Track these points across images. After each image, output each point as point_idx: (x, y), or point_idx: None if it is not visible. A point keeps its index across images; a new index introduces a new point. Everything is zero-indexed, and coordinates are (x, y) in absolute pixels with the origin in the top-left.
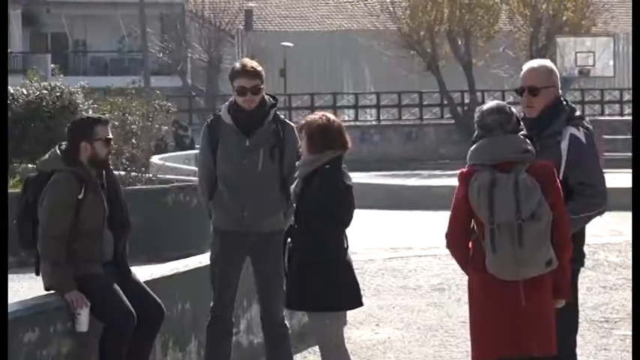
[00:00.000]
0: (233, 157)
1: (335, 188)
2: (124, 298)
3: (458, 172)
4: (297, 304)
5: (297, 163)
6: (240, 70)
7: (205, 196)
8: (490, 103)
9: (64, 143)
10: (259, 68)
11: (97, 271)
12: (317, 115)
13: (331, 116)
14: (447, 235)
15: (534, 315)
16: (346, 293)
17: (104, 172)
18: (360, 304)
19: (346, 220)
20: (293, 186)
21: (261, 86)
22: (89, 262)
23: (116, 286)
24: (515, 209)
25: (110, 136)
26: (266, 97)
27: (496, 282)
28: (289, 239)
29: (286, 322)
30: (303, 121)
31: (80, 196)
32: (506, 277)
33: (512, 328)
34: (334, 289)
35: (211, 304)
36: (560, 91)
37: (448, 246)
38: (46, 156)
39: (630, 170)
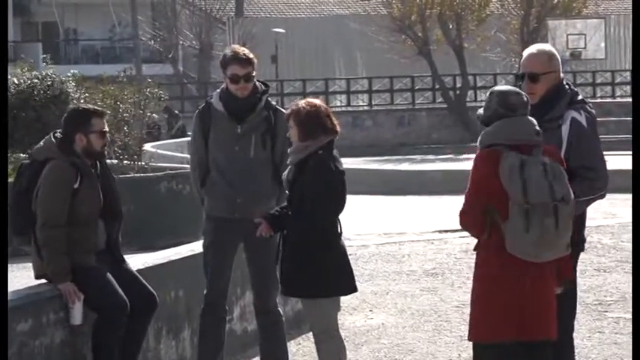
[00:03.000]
0: (225, 144)
1: (328, 173)
2: (118, 288)
3: (449, 156)
4: (292, 291)
5: (288, 151)
6: (233, 58)
7: (197, 184)
8: (505, 86)
9: (58, 131)
10: (251, 55)
11: (91, 262)
12: (302, 103)
13: (317, 101)
14: (464, 214)
15: (541, 299)
16: (340, 279)
17: (98, 162)
18: (354, 290)
19: (339, 206)
20: (285, 173)
21: (254, 73)
22: (84, 252)
23: (109, 276)
24: (549, 190)
25: (106, 128)
26: (257, 83)
27: (512, 264)
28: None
29: (279, 309)
30: (289, 110)
31: (76, 186)
32: (530, 258)
33: (522, 312)
34: (328, 274)
35: (205, 292)
36: (562, 74)
37: (464, 224)
38: (41, 143)
39: (623, 152)
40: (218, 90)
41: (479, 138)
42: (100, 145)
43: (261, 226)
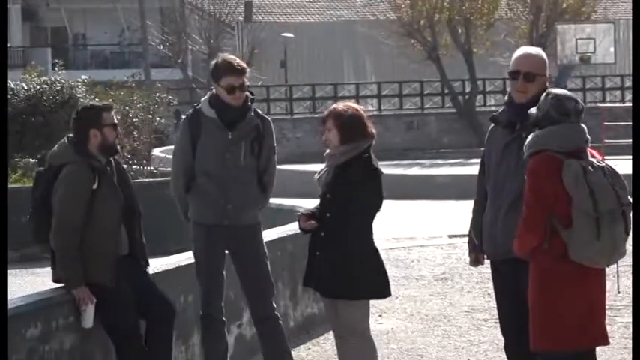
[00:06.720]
0: (215, 150)
1: (377, 175)
2: (133, 312)
3: (458, 160)
4: (329, 291)
5: (325, 154)
6: (228, 68)
7: (181, 190)
8: (561, 90)
9: (71, 135)
10: (244, 65)
11: (109, 278)
12: (343, 106)
13: (357, 106)
14: (527, 222)
15: (603, 305)
16: (385, 280)
17: (113, 161)
18: (388, 294)
19: (381, 206)
20: (319, 175)
21: (247, 82)
22: (104, 262)
23: (127, 299)
24: (615, 196)
25: (116, 121)
26: None
27: (577, 271)
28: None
29: (277, 312)
30: (329, 112)
31: (94, 187)
32: (598, 265)
33: (592, 320)
34: (379, 276)
35: (201, 300)
36: (547, 83)
37: (525, 233)
38: (55, 149)
39: (631, 157)
40: (206, 96)
41: (528, 141)
42: (113, 137)
43: (309, 222)
